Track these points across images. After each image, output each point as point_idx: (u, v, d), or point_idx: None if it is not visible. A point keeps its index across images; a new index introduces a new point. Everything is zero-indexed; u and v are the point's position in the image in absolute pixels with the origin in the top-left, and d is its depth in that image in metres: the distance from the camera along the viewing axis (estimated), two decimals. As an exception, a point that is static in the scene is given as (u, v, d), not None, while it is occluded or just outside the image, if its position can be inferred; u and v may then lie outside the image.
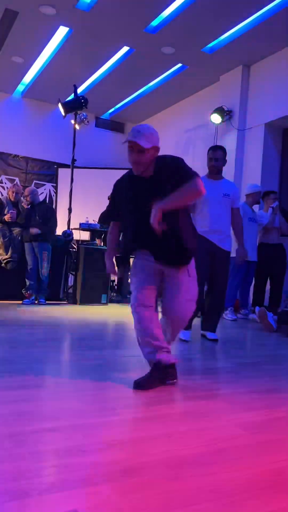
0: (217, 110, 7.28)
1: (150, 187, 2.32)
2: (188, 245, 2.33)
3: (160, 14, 5.99)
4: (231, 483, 1.28)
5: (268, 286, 6.01)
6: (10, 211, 6.06)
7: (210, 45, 6.74)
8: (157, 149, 2.31)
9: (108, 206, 2.64)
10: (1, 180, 9.03)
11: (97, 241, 7.20)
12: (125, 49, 7.04)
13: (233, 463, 1.42)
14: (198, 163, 8.14)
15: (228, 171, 7.20)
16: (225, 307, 5.86)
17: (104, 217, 7.16)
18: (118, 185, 2.51)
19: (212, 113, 7.31)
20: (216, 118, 7.29)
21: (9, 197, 6.33)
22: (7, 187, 8.52)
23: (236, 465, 1.40)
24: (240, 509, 1.15)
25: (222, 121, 7.32)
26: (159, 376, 2.31)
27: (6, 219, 6.04)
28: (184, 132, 8.67)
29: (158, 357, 2.32)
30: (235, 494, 1.22)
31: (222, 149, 3.95)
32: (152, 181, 2.32)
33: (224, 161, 3.96)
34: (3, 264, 6.01)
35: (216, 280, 3.92)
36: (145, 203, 2.27)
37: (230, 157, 7.23)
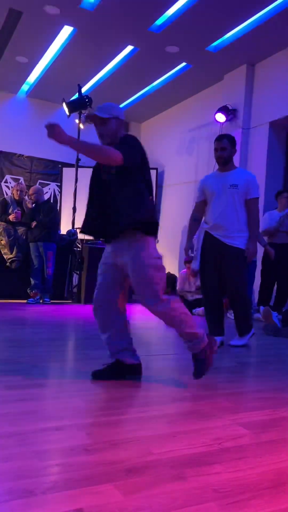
0: (221, 109, 7.27)
1: None
2: (123, 218, 2.22)
3: (164, 13, 5.98)
4: (235, 482, 1.28)
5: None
6: (15, 211, 6.09)
7: (214, 43, 6.73)
8: (119, 120, 2.41)
9: None
10: (6, 179, 9.06)
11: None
12: (129, 48, 7.04)
13: (237, 463, 1.42)
14: (202, 162, 8.15)
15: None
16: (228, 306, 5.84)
17: None
18: None
19: (216, 112, 7.30)
20: (220, 117, 7.27)
21: (14, 196, 6.35)
22: (11, 187, 8.54)
23: (240, 465, 1.40)
24: (244, 509, 1.15)
25: (227, 120, 7.30)
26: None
27: (11, 219, 6.06)
28: (188, 131, 8.66)
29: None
30: (239, 493, 1.22)
31: (227, 137, 3.65)
32: None
33: (232, 150, 3.66)
34: (8, 263, 6.03)
35: (227, 280, 3.64)
36: (104, 174, 2.35)
37: (235, 156, 7.22)
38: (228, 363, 3.09)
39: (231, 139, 3.67)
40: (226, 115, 7.25)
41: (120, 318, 2.40)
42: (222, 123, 7.41)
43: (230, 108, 7.28)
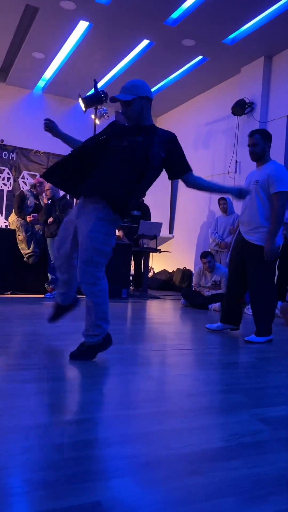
0: (238, 102, 7.19)
1: (142, 136, 2.50)
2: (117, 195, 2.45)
3: (180, 6, 5.93)
4: (253, 478, 1.28)
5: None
6: (32, 214, 6.17)
7: (231, 36, 6.65)
8: (145, 98, 2.54)
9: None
10: (23, 175, 9.13)
11: (120, 233, 7.21)
12: (145, 42, 7.00)
13: (255, 459, 1.41)
14: (219, 156, 8.08)
15: (249, 164, 7.10)
16: (246, 302, 5.80)
17: None
18: (112, 127, 2.64)
19: (233, 106, 7.23)
20: (237, 111, 7.20)
21: (34, 189, 6.44)
22: (29, 183, 8.62)
23: (258, 461, 1.40)
24: (262, 505, 1.14)
25: (244, 114, 7.23)
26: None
27: (28, 221, 6.14)
28: (205, 125, 8.59)
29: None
30: (257, 489, 1.22)
31: (259, 132, 3.62)
32: (146, 131, 2.52)
33: (265, 145, 3.60)
34: (25, 259, 6.10)
35: (247, 276, 3.65)
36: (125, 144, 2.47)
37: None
38: (245, 358, 3.07)
39: (263, 134, 3.62)
40: (243, 108, 7.17)
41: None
42: (239, 117, 7.33)
43: (247, 101, 7.20)
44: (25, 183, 9.03)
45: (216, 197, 7.63)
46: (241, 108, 7.17)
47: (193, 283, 6.47)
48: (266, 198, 3.53)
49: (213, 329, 3.82)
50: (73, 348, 2.95)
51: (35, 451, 1.37)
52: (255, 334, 3.67)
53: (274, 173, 3.52)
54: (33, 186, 6.56)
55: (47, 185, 6.35)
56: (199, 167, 8.71)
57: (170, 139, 2.58)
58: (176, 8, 5.98)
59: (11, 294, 6.07)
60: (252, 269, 3.61)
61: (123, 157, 2.47)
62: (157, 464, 1.33)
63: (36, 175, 9.08)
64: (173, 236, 9.34)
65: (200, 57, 7.37)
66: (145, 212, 7.47)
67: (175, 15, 6.21)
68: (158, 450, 1.43)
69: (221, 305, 5.42)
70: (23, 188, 8.65)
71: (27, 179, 9.08)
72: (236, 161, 7.36)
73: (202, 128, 8.65)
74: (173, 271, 8.93)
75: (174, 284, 8.61)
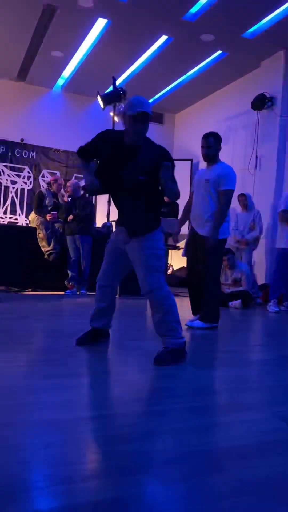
0: (258, 97, 7.09)
1: (143, 156, 2.51)
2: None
3: (198, 0, 5.88)
4: (275, 477, 1.26)
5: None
6: (52, 212, 6.22)
7: (250, 30, 6.56)
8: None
9: (88, 145, 2.76)
10: (43, 174, 9.21)
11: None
12: (163, 38, 6.96)
13: (277, 457, 1.39)
14: (239, 152, 8.00)
15: (270, 159, 7.01)
16: (269, 299, 5.74)
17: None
18: (109, 137, 2.62)
19: (253, 101, 7.14)
20: (257, 105, 7.10)
21: (51, 187, 6.49)
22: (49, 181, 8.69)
23: (279, 459, 1.37)
24: (283, 505, 1.12)
25: (264, 108, 7.13)
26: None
27: (48, 219, 6.20)
28: (225, 120, 8.51)
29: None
30: (279, 488, 1.19)
31: (213, 136, 3.88)
32: (143, 150, 2.53)
33: (217, 147, 3.87)
34: (45, 256, 6.15)
35: (197, 267, 3.89)
36: (132, 169, 2.48)
37: (272, 144, 7.04)
38: (267, 356, 3.04)
39: (216, 137, 3.88)
40: (264, 103, 7.07)
41: None
42: (259, 111, 7.24)
43: (267, 95, 7.09)
44: (45, 181, 9.10)
45: (236, 193, 7.56)
46: (261, 103, 7.07)
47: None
48: (216, 195, 3.79)
49: (188, 325, 3.87)
50: (93, 345, 2.95)
51: (55, 446, 1.37)
52: (199, 319, 3.82)
53: (224, 172, 3.81)
54: (49, 184, 6.62)
55: (68, 182, 6.40)
56: (219, 163, 8.64)
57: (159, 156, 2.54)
58: (195, 3, 5.93)
59: (31, 291, 6.14)
60: (204, 260, 3.81)
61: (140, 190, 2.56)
62: (178, 461, 1.32)
63: (56, 173, 9.14)
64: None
65: (219, 52, 7.29)
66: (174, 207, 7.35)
67: (193, 10, 6.15)
68: (179, 447, 1.42)
69: (242, 301, 5.47)
70: (42, 187, 8.72)
71: (47, 177, 9.14)
72: (257, 157, 7.27)
73: (222, 124, 8.56)
74: (193, 268, 8.89)
75: (194, 281, 8.56)
